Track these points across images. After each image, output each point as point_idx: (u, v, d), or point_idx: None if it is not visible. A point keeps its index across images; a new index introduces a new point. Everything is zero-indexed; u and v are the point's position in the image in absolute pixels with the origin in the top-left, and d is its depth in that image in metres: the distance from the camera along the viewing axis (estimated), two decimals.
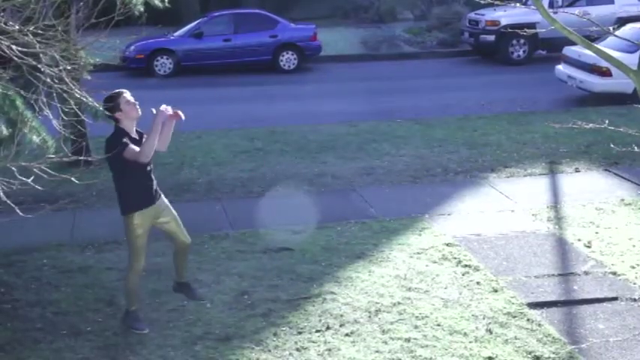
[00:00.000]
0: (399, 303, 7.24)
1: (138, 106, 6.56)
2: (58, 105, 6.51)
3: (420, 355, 6.34)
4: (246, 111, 16.15)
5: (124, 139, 6.38)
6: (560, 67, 16.70)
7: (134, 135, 6.56)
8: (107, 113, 6.50)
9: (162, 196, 6.79)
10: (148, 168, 6.58)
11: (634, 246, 8.52)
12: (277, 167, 11.82)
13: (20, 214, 5.68)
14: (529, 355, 6.33)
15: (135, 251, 6.63)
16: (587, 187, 10.57)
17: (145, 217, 6.58)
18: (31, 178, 5.50)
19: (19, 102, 6.79)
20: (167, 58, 20.38)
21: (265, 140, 13.41)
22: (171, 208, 6.80)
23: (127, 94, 6.54)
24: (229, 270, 8.06)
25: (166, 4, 11.18)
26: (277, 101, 17.26)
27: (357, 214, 9.71)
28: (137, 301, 6.83)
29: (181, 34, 20.95)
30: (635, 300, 7.28)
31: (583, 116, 13.34)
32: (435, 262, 8.14)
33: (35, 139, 6.94)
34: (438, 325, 6.82)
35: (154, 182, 6.68)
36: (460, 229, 9.12)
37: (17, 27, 5.38)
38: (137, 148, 6.39)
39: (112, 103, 6.47)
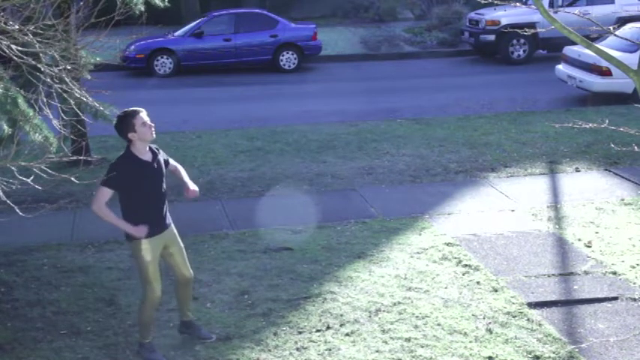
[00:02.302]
0: (399, 303, 7.24)
1: (153, 129, 6.10)
2: (58, 105, 6.51)
3: (420, 355, 6.34)
4: (246, 111, 16.15)
5: (115, 174, 5.97)
6: (560, 67, 16.70)
7: (145, 157, 6.12)
8: (118, 132, 6.07)
9: (172, 226, 6.38)
10: (158, 196, 6.20)
11: (634, 246, 8.51)
12: (277, 167, 11.82)
13: (20, 213, 5.68)
14: (529, 355, 6.33)
15: (147, 279, 6.17)
16: (587, 186, 10.57)
17: (153, 243, 6.16)
18: (31, 177, 5.51)
19: (20, 100, 6.80)
20: (167, 58, 20.37)
21: (265, 140, 13.41)
22: (178, 239, 6.41)
23: (144, 114, 6.07)
24: (229, 270, 8.06)
25: (166, 4, 11.19)
26: (277, 101, 17.26)
27: (357, 213, 9.71)
28: (152, 333, 6.40)
29: (181, 33, 20.94)
30: (635, 300, 7.28)
31: (583, 116, 13.38)
32: (435, 262, 8.14)
33: (37, 136, 6.93)
34: (438, 324, 6.82)
35: (164, 211, 6.27)
36: (460, 228, 9.12)
37: (17, 26, 5.38)
38: (102, 200, 5.99)
39: (126, 122, 6.02)
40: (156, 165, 6.21)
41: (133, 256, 6.34)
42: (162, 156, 6.36)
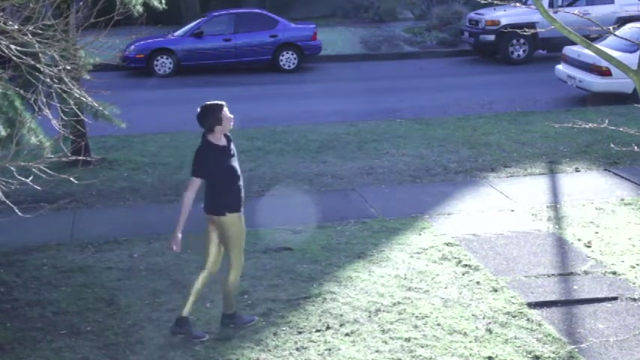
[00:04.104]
0: (399, 303, 7.24)
1: (232, 121, 6.68)
2: (58, 105, 6.51)
3: (420, 355, 6.34)
4: (246, 111, 16.10)
5: (201, 163, 6.55)
6: (560, 67, 16.69)
7: (222, 143, 6.66)
8: (202, 122, 6.55)
9: None
10: (237, 176, 6.70)
11: (634, 246, 8.51)
12: (277, 167, 11.81)
13: (19, 214, 5.68)
14: (529, 355, 6.33)
15: (241, 249, 6.72)
16: (587, 187, 10.56)
17: (241, 218, 6.69)
18: (30, 177, 5.50)
19: (18, 102, 6.80)
20: (167, 58, 20.36)
21: (265, 140, 13.41)
22: None
23: (226, 109, 6.62)
24: None
25: (164, 5, 11.19)
26: (277, 101, 17.25)
27: (357, 214, 9.70)
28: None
29: (181, 33, 20.93)
30: (635, 300, 7.28)
31: (583, 116, 13.36)
32: (435, 262, 8.14)
33: (33, 140, 6.93)
34: (438, 324, 6.82)
35: (242, 190, 6.76)
36: (460, 228, 9.12)
37: (17, 26, 5.37)
38: (192, 189, 6.49)
39: (215, 115, 6.53)
40: (231, 150, 6.75)
41: (228, 230, 6.61)
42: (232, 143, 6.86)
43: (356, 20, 27.89)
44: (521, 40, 20.97)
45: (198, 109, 6.56)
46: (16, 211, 5.65)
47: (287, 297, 7.41)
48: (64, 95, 6.26)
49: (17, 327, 6.94)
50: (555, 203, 9.95)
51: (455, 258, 8.23)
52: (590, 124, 6.86)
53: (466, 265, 8.04)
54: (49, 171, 5.63)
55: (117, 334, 6.78)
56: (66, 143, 7.91)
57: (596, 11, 19.47)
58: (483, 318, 6.93)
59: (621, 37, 7.07)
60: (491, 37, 21.27)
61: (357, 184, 10.93)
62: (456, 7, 25.77)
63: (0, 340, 6.70)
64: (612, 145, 9.83)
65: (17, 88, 6.82)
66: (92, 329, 6.87)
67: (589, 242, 8.61)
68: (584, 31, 6.41)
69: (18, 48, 5.38)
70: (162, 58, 20.34)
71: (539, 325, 6.81)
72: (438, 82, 19.14)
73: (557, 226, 9.16)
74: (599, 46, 6.73)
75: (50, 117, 6.19)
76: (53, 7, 7.86)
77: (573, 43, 11.74)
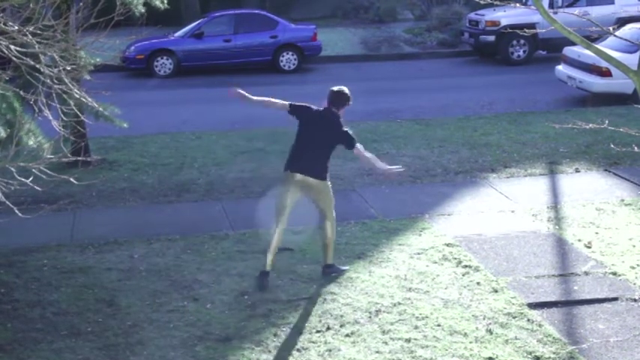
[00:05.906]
0: (399, 303, 7.24)
1: None
2: (58, 105, 6.50)
3: (421, 356, 6.34)
4: (246, 111, 16.10)
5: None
6: (560, 67, 16.69)
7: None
8: (342, 101, 7.72)
9: None
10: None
11: (634, 246, 8.51)
12: (277, 167, 11.78)
13: (20, 214, 5.67)
14: (529, 356, 6.33)
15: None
16: (587, 187, 10.56)
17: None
18: (30, 178, 5.50)
19: (17, 104, 6.79)
20: (167, 59, 20.36)
21: (265, 140, 13.39)
22: None
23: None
24: (229, 270, 8.06)
25: (165, 5, 11.19)
26: None
27: (357, 214, 9.70)
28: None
29: (182, 34, 20.94)
30: (635, 300, 7.28)
31: (583, 116, 13.36)
32: (435, 263, 8.14)
33: (31, 142, 6.93)
34: (438, 325, 6.82)
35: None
36: (460, 229, 9.11)
37: (16, 27, 5.37)
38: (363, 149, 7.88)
39: (348, 98, 7.80)
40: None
41: (326, 191, 8.08)
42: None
43: (356, 21, 27.90)
44: (522, 41, 20.98)
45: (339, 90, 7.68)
46: (16, 212, 5.64)
47: (287, 297, 7.41)
48: (65, 96, 6.25)
49: (17, 328, 6.94)
50: (555, 204, 9.95)
51: (455, 259, 8.23)
52: (591, 125, 6.86)
53: (466, 266, 8.04)
54: (49, 172, 5.62)
55: (117, 334, 6.78)
56: (66, 144, 7.91)
57: (596, 12, 19.47)
58: (484, 319, 6.93)
59: (621, 38, 7.08)
60: (492, 38, 21.28)
61: (357, 184, 10.93)
62: (456, 8, 25.78)
63: (0, 340, 6.70)
64: (612, 146, 9.84)
65: (17, 89, 6.82)
66: (92, 330, 6.87)
67: (589, 243, 8.61)
68: (584, 32, 6.41)
69: (18, 48, 5.38)
70: (162, 58, 20.34)
71: (540, 325, 6.81)
72: (438, 82, 19.14)
73: (557, 227, 9.16)
74: (599, 46, 6.73)
75: (50, 118, 6.19)
76: (53, 8, 7.85)
77: (573, 44, 11.74)
